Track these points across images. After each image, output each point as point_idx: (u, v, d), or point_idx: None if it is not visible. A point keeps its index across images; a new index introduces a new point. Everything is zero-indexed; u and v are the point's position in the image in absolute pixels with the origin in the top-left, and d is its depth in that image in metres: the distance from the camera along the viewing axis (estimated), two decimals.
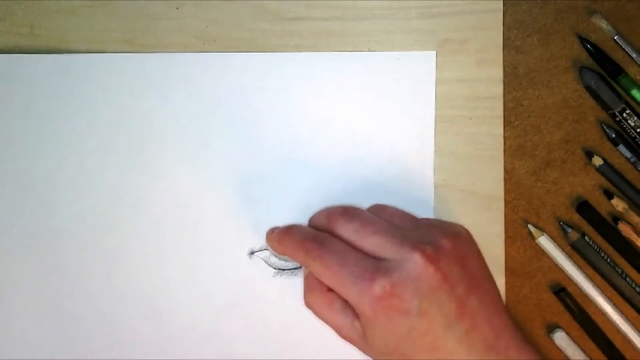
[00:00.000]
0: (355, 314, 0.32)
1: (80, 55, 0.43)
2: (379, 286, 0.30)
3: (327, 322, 0.34)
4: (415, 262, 0.30)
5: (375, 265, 0.31)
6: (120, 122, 0.43)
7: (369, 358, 0.34)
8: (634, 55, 0.42)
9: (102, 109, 0.43)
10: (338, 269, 0.31)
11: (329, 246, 0.32)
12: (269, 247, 0.38)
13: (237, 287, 0.41)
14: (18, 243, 0.42)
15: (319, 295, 0.34)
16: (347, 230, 0.33)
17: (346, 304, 0.33)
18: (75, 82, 0.43)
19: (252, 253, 0.42)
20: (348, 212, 0.34)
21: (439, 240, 0.32)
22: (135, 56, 0.43)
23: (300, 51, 0.43)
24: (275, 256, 0.41)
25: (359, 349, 0.34)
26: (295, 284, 0.41)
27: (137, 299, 0.41)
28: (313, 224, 0.35)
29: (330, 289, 0.33)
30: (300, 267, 0.41)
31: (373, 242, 0.32)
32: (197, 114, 0.42)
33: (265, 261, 0.41)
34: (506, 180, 0.42)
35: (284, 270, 0.41)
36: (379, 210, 0.35)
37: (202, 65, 0.43)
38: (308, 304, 0.35)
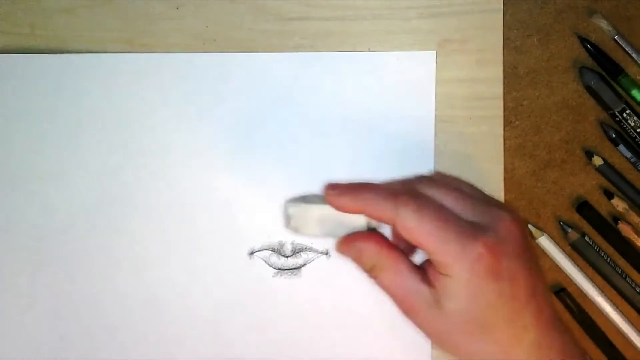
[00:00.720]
0: (425, 278, 0.30)
1: (80, 55, 0.43)
2: (483, 245, 0.28)
3: (389, 287, 0.31)
4: (505, 223, 0.29)
5: (475, 224, 0.29)
6: (120, 122, 0.43)
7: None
8: (634, 55, 0.42)
9: (102, 109, 0.43)
10: (440, 223, 0.29)
11: (427, 200, 0.30)
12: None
13: (237, 287, 0.41)
14: (18, 243, 0.42)
15: (385, 255, 0.30)
16: (433, 193, 0.30)
17: (414, 267, 0.30)
18: (75, 82, 0.43)
19: (252, 253, 0.42)
20: (433, 179, 0.32)
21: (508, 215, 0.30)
22: (135, 56, 0.43)
23: (300, 51, 0.43)
24: (276, 256, 0.41)
25: (419, 321, 0.30)
26: (296, 284, 0.41)
27: (137, 299, 0.41)
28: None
29: (395, 252, 0.31)
30: (300, 268, 0.41)
31: (462, 204, 0.30)
32: (197, 114, 0.42)
33: (265, 261, 0.41)
34: (506, 180, 0.42)
35: (284, 270, 0.41)
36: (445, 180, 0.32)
37: (202, 65, 0.43)
38: (364, 266, 0.31)
